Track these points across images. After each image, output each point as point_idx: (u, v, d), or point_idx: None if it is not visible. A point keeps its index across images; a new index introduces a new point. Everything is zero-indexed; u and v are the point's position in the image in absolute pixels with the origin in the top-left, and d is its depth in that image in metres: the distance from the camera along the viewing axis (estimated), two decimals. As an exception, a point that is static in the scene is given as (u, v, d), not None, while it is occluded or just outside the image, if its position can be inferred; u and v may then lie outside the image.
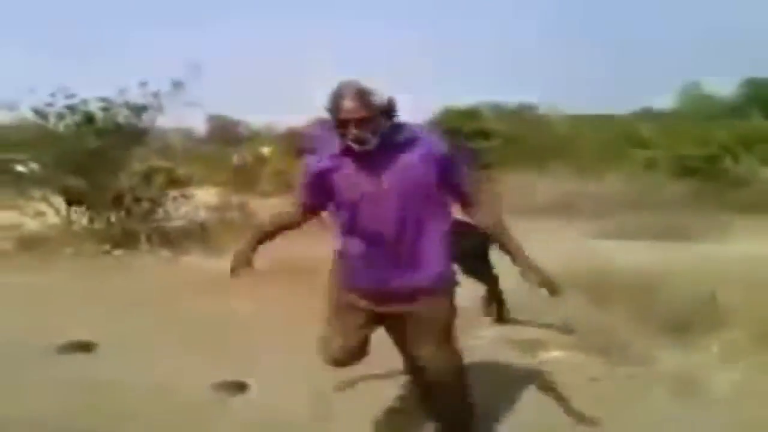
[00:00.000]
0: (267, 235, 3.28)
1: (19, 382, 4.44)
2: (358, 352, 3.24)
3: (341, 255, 3.16)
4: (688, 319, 5.07)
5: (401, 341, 3.32)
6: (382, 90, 2.93)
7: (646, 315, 5.30)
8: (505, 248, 3.11)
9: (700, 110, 23.66)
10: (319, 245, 4.68)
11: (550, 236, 10.16)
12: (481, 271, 5.67)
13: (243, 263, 3.21)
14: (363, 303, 3.11)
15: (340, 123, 2.87)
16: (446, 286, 3.13)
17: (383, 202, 2.92)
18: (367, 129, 2.85)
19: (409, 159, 2.92)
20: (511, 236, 3.10)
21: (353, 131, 2.84)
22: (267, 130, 37.25)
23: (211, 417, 3.87)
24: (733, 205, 13.62)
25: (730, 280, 5.93)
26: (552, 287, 3.01)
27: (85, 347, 5.21)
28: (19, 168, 12.36)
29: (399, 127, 2.98)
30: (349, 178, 2.96)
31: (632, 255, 8.07)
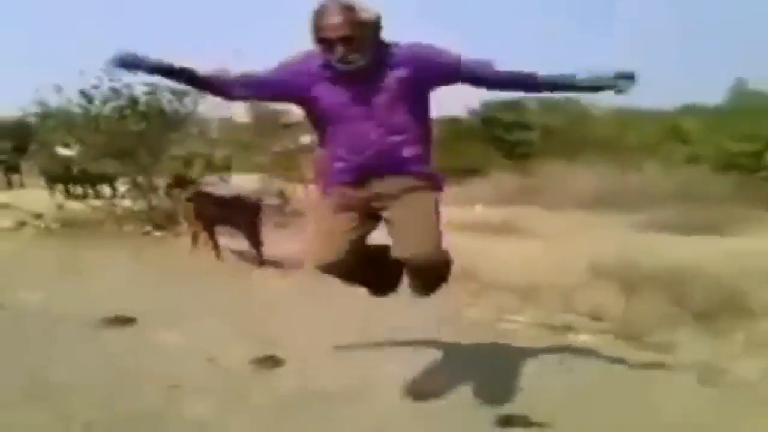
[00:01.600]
0: (191, 75, 2.93)
1: (70, 352, 4.57)
2: (347, 252, 3.03)
3: (325, 164, 3.05)
4: (716, 309, 5.09)
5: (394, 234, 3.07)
6: (369, 5, 2.70)
7: (674, 305, 5.35)
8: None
9: (747, 107, 23.22)
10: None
11: (587, 227, 10.20)
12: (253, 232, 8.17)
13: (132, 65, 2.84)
14: (351, 197, 2.99)
15: (323, 42, 2.66)
16: (429, 182, 2.99)
17: (367, 121, 2.80)
18: (354, 48, 2.65)
19: (393, 76, 2.77)
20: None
21: (339, 51, 2.64)
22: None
23: (251, 388, 3.98)
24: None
25: (761, 273, 5.92)
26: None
27: (130, 321, 5.34)
28: (62, 150, 12.64)
29: (387, 44, 2.81)
30: (333, 93, 2.80)
31: (667, 247, 8.08)
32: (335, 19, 2.60)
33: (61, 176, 13.91)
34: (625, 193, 13.53)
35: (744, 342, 4.63)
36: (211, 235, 8.36)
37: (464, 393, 3.73)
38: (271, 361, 4.41)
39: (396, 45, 2.82)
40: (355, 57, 2.66)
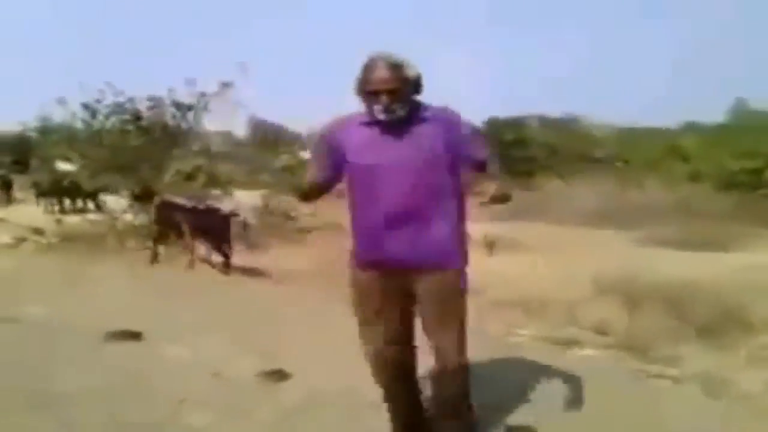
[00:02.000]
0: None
1: (76, 364, 4.58)
2: (403, 340, 3.15)
3: (354, 229, 3.12)
4: (717, 323, 5.15)
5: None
6: (412, 63, 2.96)
7: (677, 319, 5.40)
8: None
9: (747, 125, 23.47)
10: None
11: (590, 243, 10.25)
12: (222, 240, 8.97)
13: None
14: (378, 281, 3.04)
15: (371, 94, 2.89)
16: (457, 265, 3.05)
17: (400, 174, 2.92)
18: (397, 100, 2.87)
19: (428, 134, 2.94)
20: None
21: (384, 101, 2.86)
22: (308, 134, 37.68)
23: (257, 401, 3.99)
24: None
25: (761, 288, 5.99)
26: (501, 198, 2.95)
27: (134, 335, 5.33)
28: (63, 165, 12.70)
29: (420, 103, 2.99)
30: (369, 148, 2.97)
31: (668, 263, 8.17)
32: (384, 74, 2.86)
33: (50, 190, 14.09)
34: (626, 210, 13.67)
35: (746, 355, 4.68)
36: (162, 239, 9.45)
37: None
38: (278, 375, 4.43)
39: (428, 106, 2.99)
40: (397, 107, 2.86)
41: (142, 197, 10.32)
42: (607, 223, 12.86)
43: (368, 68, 2.90)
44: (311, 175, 3.10)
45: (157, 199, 9.58)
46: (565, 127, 27.99)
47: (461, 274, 3.07)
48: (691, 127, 30.66)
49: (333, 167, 3.03)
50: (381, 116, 2.88)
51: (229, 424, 3.63)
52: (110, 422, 3.56)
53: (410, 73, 2.92)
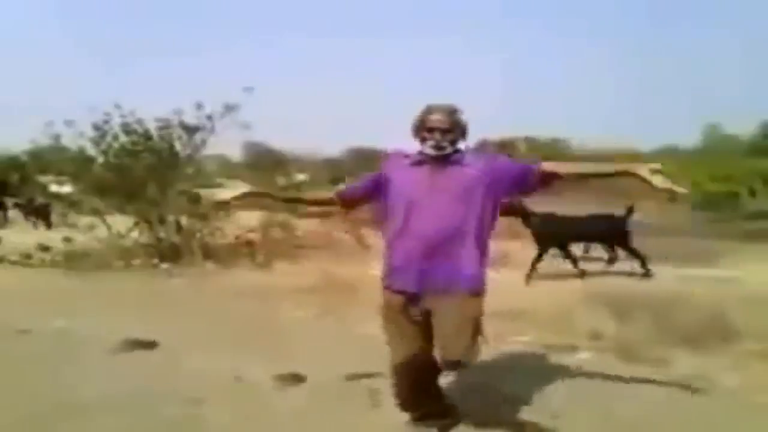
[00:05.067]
0: (296, 200, 3.90)
1: (99, 371, 4.92)
2: (423, 353, 3.44)
3: (390, 252, 3.49)
4: (702, 332, 5.53)
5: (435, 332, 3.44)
6: (464, 114, 3.50)
7: (665, 328, 5.75)
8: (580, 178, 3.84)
9: (722, 149, 24.04)
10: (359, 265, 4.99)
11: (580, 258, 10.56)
12: None
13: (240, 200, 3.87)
14: (406, 300, 3.40)
15: (427, 130, 3.41)
16: (479, 288, 3.41)
17: (438, 206, 3.33)
18: (447, 139, 3.40)
19: (465, 174, 3.39)
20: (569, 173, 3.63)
21: (437, 137, 3.38)
22: (303, 157, 37.76)
23: (273, 402, 4.30)
24: (748, 235, 14.22)
25: (739, 299, 6.37)
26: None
27: (148, 345, 5.66)
28: (55, 188, 12.87)
29: (462, 150, 3.52)
30: (414, 183, 3.41)
31: (655, 276, 8.53)
32: (443, 115, 3.43)
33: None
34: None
35: (728, 359, 5.07)
36: None
37: (474, 404, 4.08)
38: (293, 378, 4.74)
39: (464, 151, 3.54)
40: (446, 145, 3.42)
41: None
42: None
43: (428, 109, 3.47)
44: (352, 185, 3.69)
45: None
46: (551, 148, 28.51)
47: (482, 294, 3.43)
48: (666, 151, 31.30)
49: (375, 185, 3.60)
50: (430, 151, 3.43)
51: (253, 423, 3.95)
52: (136, 425, 3.89)
53: (461, 119, 3.48)
